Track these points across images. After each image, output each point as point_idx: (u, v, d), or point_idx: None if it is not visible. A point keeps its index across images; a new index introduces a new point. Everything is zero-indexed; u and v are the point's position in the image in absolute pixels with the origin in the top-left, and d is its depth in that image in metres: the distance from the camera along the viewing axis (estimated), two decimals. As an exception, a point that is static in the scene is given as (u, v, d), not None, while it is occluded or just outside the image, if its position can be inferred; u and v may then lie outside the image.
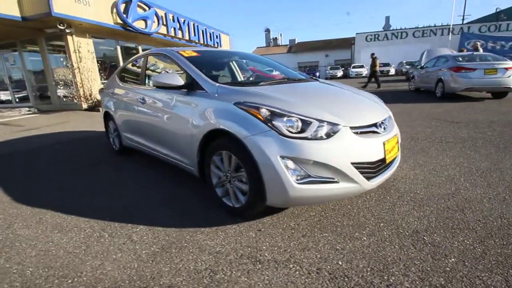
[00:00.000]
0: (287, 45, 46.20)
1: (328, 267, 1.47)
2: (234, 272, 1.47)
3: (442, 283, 1.32)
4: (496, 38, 24.71)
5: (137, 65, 3.38)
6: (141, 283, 1.43)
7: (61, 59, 9.27)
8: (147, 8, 11.05)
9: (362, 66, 27.29)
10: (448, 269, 1.41)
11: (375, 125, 1.91)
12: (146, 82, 3.03)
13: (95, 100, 9.60)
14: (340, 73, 29.21)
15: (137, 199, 2.46)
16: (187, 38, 14.15)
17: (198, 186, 2.63)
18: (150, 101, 2.77)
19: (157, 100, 2.66)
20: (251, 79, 2.95)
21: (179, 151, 2.45)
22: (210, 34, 16.67)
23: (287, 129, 1.67)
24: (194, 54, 2.66)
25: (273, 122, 1.70)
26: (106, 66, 10.13)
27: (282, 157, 1.63)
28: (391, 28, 37.32)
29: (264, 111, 1.74)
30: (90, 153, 4.15)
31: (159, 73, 3.09)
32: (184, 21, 13.68)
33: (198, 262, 1.57)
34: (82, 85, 9.34)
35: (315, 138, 1.66)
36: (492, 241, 1.62)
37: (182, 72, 2.51)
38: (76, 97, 9.41)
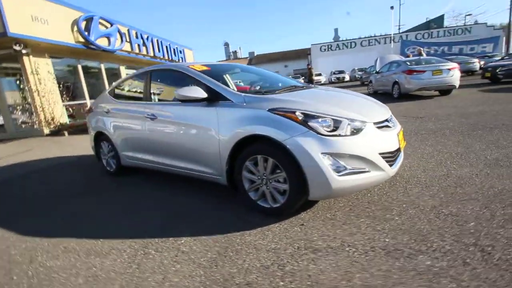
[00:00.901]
0: (247, 57, 47.49)
1: (379, 244, 1.67)
2: (300, 262, 1.59)
3: (473, 241, 1.60)
4: (430, 44, 28.43)
5: (137, 81, 3.34)
6: (217, 286, 1.48)
7: (17, 82, 8.47)
8: (109, 25, 10.68)
9: (320, 74, 29.12)
10: (472, 231, 1.71)
11: (386, 120, 2.21)
12: (152, 97, 3.02)
13: (59, 124, 8.90)
14: (301, 81, 30.73)
15: (162, 214, 2.44)
16: (151, 54, 13.88)
17: (219, 195, 2.68)
18: (163, 116, 2.77)
19: (173, 114, 2.68)
20: (257, 88, 3.12)
21: (202, 162, 2.50)
22: (174, 49, 16.56)
23: (323, 129, 1.87)
24: (205, 68, 2.75)
25: (309, 124, 1.89)
26: (69, 86, 9.48)
27: (323, 154, 1.82)
28: (340, 39, 40.67)
29: (299, 114, 1.93)
30: (80, 178, 3.90)
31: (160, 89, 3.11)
32: (148, 37, 13.45)
33: (261, 259, 1.66)
34: (43, 108, 8.61)
35: (346, 134, 1.89)
36: (494, 205, 1.98)
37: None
38: (36, 122, 8.61)
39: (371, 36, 34.34)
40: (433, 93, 9.34)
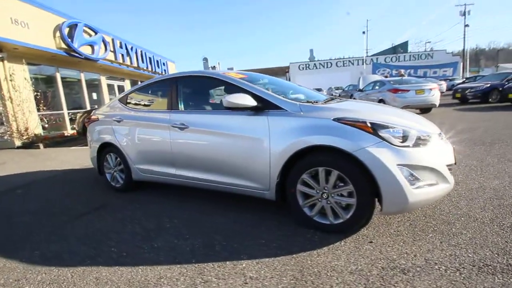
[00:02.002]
0: (225, 73, 47.81)
1: (466, 260, 1.59)
2: (395, 285, 1.45)
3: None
4: (398, 67, 30.73)
5: (158, 89, 3.10)
6: (317, 318, 1.28)
7: (-14, 89, 7.61)
8: (93, 33, 10.16)
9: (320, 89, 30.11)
10: (548, 243, 1.69)
11: (441, 132, 2.21)
12: (180, 106, 2.78)
13: (33, 135, 8.07)
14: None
15: (200, 234, 2.17)
16: (135, 65, 13.39)
17: (257, 211, 2.47)
18: (196, 125, 2.54)
19: (211, 123, 2.48)
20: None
21: (245, 176, 2.31)
22: (157, 61, 16.16)
23: (396, 139, 1.80)
24: (243, 76, 2.62)
25: (380, 134, 1.81)
26: (47, 95, 8.72)
27: (399, 165, 1.73)
28: (315, 59, 42.69)
29: (369, 124, 1.84)
30: (77, 194, 3.44)
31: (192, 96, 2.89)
32: (132, 47, 13.00)
33: (350, 283, 1.49)
34: (16, 118, 7.77)
35: (416, 145, 1.83)
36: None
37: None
38: (7, 133, 7.72)
39: (345, 58, 36.50)
40: (414, 111, 9.94)
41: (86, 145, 4.08)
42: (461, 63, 29.43)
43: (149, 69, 15.02)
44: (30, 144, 7.94)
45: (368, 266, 1.62)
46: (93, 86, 11.78)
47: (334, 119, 1.93)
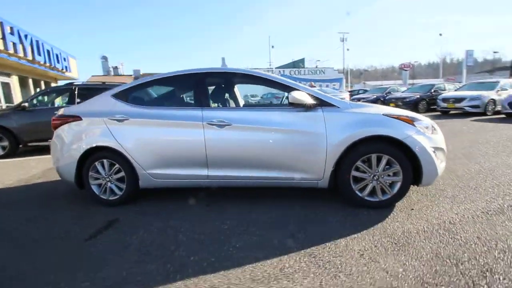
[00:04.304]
0: (131, 75, 43.13)
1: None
2: (464, 228, 1.99)
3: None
4: (300, 79, 35.58)
5: (178, 83, 2.81)
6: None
7: None
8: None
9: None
10: None
11: None
12: (211, 103, 2.65)
13: None
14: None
15: (277, 226, 2.21)
16: (30, 57, 10.65)
17: (299, 200, 2.67)
18: (244, 122, 2.52)
19: (263, 120, 2.52)
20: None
21: (299, 168, 2.48)
22: (57, 55, 13.31)
23: (425, 129, 2.40)
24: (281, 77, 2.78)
25: (416, 125, 2.38)
26: None
27: (431, 148, 2.33)
28: (226, 67, 44.15)
29: (410, 118, 2.39)
30: (61, 216, 2.71)
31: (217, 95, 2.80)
32: (27, 36, 10.30)
33: (433, 232, 1.93)
34: None
35: (434, 133, 2.48)
36: None
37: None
38: None
39: (257, 68, 39.44)
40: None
41: None
42: (344, 79, 36.94)
43: (47, 64, 12.21)
44: None
45: (427, 221, 2.12)
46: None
47: (384, 114, 2.39)
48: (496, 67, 40.00)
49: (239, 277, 1.62)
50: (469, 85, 12.11)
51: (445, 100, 10.61)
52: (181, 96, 2.88)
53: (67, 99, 6.65)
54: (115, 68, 44.24)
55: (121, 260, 1.86)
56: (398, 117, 2.39)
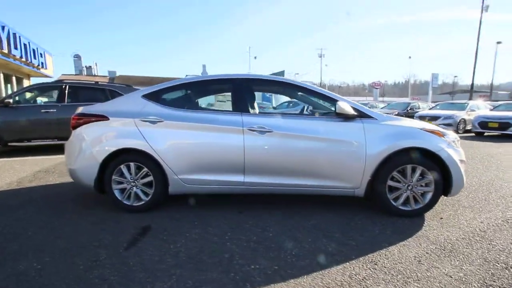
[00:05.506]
0: (106, 76, 41.16)
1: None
2: (491, 234, 2.15)
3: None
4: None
5: (215, 87, 2.77)
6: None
7: None
8: None
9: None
10: None
11: None
12: (251, 109, 2.65)
13: None
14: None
15: (322, 235, 2.23)
16: (6, 50, 9.81)
17: (336, 210, 2.73)
18: (285, 130, 2.54)
19: (306, 128, 2.58)
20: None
21: (337, 177, 2.55)
22: (34, 50, 12.40)
23: (453, 142, 2.60)
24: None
25: (445, 139, 2.57)
26: None
27: (459, 160, 2.53)
28: (206, 74, 44.11)
29: (442, 132, 2.57)
30: (75, 225, 2.51)
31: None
32: (4, 27, 9.51)
33: (466, 237, 2.07)
34: None
35: (457, 146, 2.69)
36: None
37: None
38: None
39: (238, 77, 39.77)
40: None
41: None
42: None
43: (24, 59, 11.32)
44: None
45: (460, 229, 2.28)
46: None
47: (420, 128, 2.55)
48: (456, 90, 44.30)
49: (313, 285, 1.61)
50: (442, 104, 13.31)
51: (421, 117, 11.46)
52: (217, 100, 2.85)
53: (55, 97, 6.23)
54: (89, 67, 42.03)
55: (178, 269, 1.76)
56: (432, 131, 2.56)
